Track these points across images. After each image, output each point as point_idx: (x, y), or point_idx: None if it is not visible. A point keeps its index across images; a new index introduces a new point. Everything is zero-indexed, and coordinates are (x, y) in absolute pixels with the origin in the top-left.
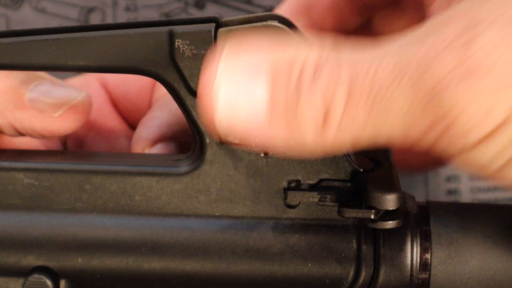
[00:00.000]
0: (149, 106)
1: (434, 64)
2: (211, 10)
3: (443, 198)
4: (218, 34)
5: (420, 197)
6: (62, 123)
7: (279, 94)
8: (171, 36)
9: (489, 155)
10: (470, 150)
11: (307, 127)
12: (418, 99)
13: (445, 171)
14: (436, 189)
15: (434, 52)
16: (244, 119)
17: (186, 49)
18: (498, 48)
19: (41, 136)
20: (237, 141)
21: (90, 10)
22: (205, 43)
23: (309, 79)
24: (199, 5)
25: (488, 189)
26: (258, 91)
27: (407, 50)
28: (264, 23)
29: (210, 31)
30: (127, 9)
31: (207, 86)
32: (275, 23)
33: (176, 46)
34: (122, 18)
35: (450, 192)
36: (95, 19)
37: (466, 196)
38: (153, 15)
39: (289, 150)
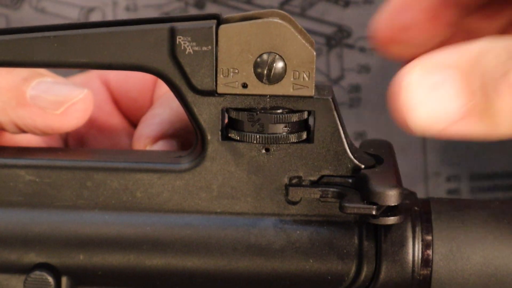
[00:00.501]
0: (150, 103)
1: None
2: (211, 10)
3: None
4: (219, 30)
5: (420, 196)
6: (64, 121)
7: (472, 91)
8: (172, 33)
9: None
10: None
11: (507, 118)
12: None
13: (445, 171)
14: (436, 189)
15: None
16: (442, 120)
17: (188, 46)
18: None
19: (42, 134)
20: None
21: (90, 10)
22: (206, 40)
23: (502, 78)
24: (199, 5)
25: (488, 189)
26: (451, 90)
27: None
28: (265, 19)
29: (211, 27)
30: (127, 9)
31: (398, 95)
32: (276, 19)
33: (177, 42)
34: (122, 18)
35: (450, 191)
36: (95, 19)
37: (466, 196)
38: (153, 15)
39: (488, 138)
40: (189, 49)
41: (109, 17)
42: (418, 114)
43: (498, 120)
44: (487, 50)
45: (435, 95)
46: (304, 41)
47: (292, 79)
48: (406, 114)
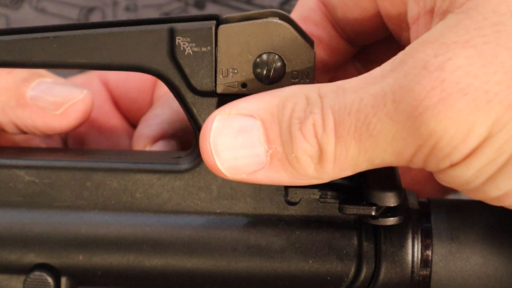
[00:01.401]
0: (150, 104)
1: (411, 90)
2: (211, 10)
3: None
4: (218, 30)
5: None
6: (64, 121)
7: (272, 139)
8: (172, 34)
9: (471, 173)
10: (454, 168)
11: (306, 165)
12: (402, 124)
13: None
14: None
15: (409, 77)
16: (247, 166)
17: (187, 47)
18: (471, 69)
19: (42, 134)
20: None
21: (90, 10)
22: (206, 41)
23: (298, 126)
24: (199, 5)
25: None
26: (254, 138)
27: (387, 78)
28: (264, 20)
29: (211, 28)
30: (127, 9)
31: (205, 140)
32: (276, 19)
33: (176, 43)
34: (122, 18)
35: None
36: (95, 19)
37: (466, 197)
38: (153, 15)
39: (296, 183)
40: (189, 49)
41: (109, 17)
42: (223, 159)
43: (298, 167)
44: (288, 98)
45: (239, 142)
46: (304, 41)
47: (291, 79)
48: (213, 158)
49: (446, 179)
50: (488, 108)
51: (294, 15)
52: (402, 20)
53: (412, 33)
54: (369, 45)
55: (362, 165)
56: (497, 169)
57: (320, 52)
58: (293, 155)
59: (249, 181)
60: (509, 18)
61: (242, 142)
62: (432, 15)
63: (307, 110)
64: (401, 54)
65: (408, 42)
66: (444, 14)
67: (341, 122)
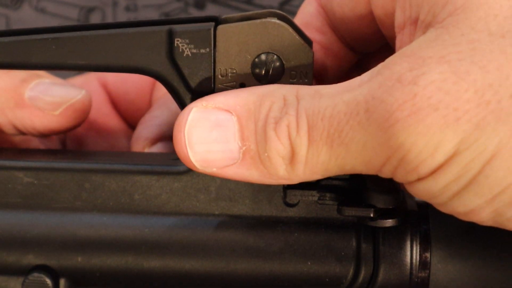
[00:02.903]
0: (148, 106)
1: (383, 101)
2: (211, 10)
3: None
4: (217, 30)
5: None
6: (62, 121)
7: (246, 136)
8: (171, 35)
9: (438, 188)
10: (422, 181)
11: (277, 165)
12: (372, 134)
13: None
14: None
15: (383, 89)
16: (219, 160)
17: (186, 48)
18: (443, 85)
19: (41, 134)
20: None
21: (90, 10)
22: (205, 42)
23: (273, 125)
24: (199, 5)
25: None
26: (228, 133)
27: (362, 87)
28: (263, 20)
29: (210, 30)
30: (127, 9)
31: (179, 131)
32: (274, 19)
33: (175, 45)
34: (122, 18)
35: None
36: (95, 19)
37: None
38: (153, 15)
39: (265, 182)
40: (187, 51)
41: (109, 17)
42: (196, 151)
43: (269, 166)
44: (266, 96)
45: (213, 136)
46: (302, 41)
47: (290, 79)
48: (186, 150)
49: (415, 191)
50: (457, 126)
51: (296, 21)
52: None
53: (397, 42)
54: (372, 53)
55: (333, 170)
56: (463, 186)
57: (322, 57)
58: (266, 154)
59: (219, 175)
60: (486, 36)
61: (216, 137)
62: (416, 26)
63: (283, 111)
64: (380, 65)
65: None
66: (427, 27)
67: (315, 126)
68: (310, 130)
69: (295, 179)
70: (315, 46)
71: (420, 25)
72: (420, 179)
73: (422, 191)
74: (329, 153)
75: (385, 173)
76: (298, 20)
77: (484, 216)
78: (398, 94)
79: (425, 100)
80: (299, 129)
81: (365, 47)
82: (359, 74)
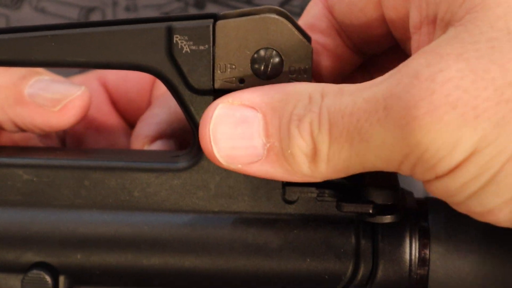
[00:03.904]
0: (148, 104)
1: (401, 98)
2: (211, 10)
3: None
4: (216, 26)
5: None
6: (62, 118)
7: (271, 133)
8: (170, 32)
9: (455, 187)
10: (439, 180)
11: (300, 162)
12: (391, 131)
13: None
14: None
15: (401, 86)
16: (243, 156)
17: (185, 45)
18: (462, 83)
19: (41, 131)
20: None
21: (90, 10)
22: (204, 39)
23: (296, 123)
24: (199, 5)
25: None
26: (253, 130)
27: (382, 84)
28: (262, 15)
29: (209, 26)
30: (127, 9)
31: (205, 127)
32: (273, 15)
33: (174, 41)
34: (122, 18)
35: None
36: (95, 19)
37: None
38: (153, 15)
39: (289, 179)
40: (186, 48)
41: (109, 17)
42: (221, 147)
43: (293, 163)
44: (292, 94)
45: (238, 132)
46: (301, 37)
47: (289, 74)
48: (211, 146)
49: (433, 190)
50: (476, 124)
51: (300, 22)
52: (406, 29)
53: (413, 43)
54: (377, 55)
55: (354, 168)
56: (481, 185)
57: (326, 60)
58: (289, 151)
59: (244, 172)
60: (505, 34)
61: (241, 133)
62: (435, 25)
63: (307, 108)
64: (402, 63)
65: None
66: (446, 26)
67: (336, 123)
68: (331, 127)
69: (318, 177)
70: (319, 49)
71: (439, 24)
72: (438, 177)
73: (439, 190)
74: (350, 150)
75: (404, 171)
76: (302, 21)
77: (501, 217)
78: (415, 91)
79: (443, 98)
80: (321, 127)
81: (372, 49)
82: (364, 77)
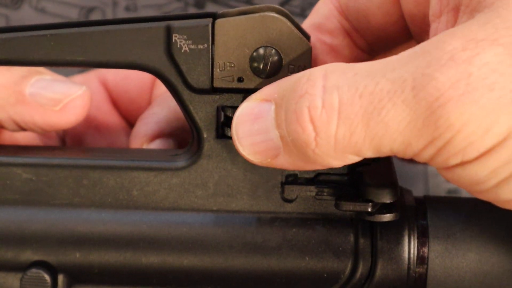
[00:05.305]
0: (148, 103)
1: (434, 79)
2: (211, 10)
3: None
4: (215, 24)
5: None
6: (63, 117)
7: (279, 124)
8: (168, 31)
9: (485, 173)
10: (466, 166)
11: (303, 148)
12: (419, 113)
13: None
14: (436, 189)
15: (434, 67)
16: (266, 151)
17: (184, 44)
18: (499, 67)
19: (41, 130)
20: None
21: (90, 10)
22: (203, 38)
23: (294, 107)
24: (199, 5)
25: None
26: (267, 123)
27: (408, 65)
28: (261, 13)
29: (207, 25)
30: (127, 9)
31: (231, 127)
32: (272, 13)
33: (173, 41)
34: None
35: (450, 192)
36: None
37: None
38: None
39: (309, 168)
40: (185, 47)
41: (109, 17)
42: (244, 145)
43: (298, 150)
44: (297, 80)
45: (255, 128)
46: (300, 35)
47: (288, 73)
48: (237, 145)
49: (454, 177)
50: None
51: (308, 22)
52: (424, 21)
53: (432, 31)
54: (385, 55)
55: (367, 152)
56: None
57: (332, 60)
58: (290, 138)
59: (274, 166)
60: None
61: (258, 128)
62: (457, 13)
63: (308, 91)
64: (422, 45)
65: None
66: (472, 13)
67: (349, 103)
68: (342, 107)
69: (326, 161)
70: (326, 49)
71: (464, 10)
72: (464, 163)
73: (463, 177)
74: (365, 132)
75: (423, 157)
76: (309, 21)
77: None
78: (451, 73)
79: (480, 81)
80: (326, 107)
81: (384, 46)
82: None
